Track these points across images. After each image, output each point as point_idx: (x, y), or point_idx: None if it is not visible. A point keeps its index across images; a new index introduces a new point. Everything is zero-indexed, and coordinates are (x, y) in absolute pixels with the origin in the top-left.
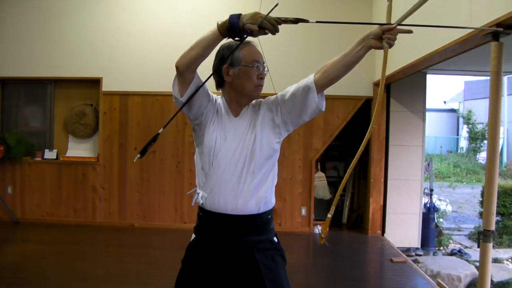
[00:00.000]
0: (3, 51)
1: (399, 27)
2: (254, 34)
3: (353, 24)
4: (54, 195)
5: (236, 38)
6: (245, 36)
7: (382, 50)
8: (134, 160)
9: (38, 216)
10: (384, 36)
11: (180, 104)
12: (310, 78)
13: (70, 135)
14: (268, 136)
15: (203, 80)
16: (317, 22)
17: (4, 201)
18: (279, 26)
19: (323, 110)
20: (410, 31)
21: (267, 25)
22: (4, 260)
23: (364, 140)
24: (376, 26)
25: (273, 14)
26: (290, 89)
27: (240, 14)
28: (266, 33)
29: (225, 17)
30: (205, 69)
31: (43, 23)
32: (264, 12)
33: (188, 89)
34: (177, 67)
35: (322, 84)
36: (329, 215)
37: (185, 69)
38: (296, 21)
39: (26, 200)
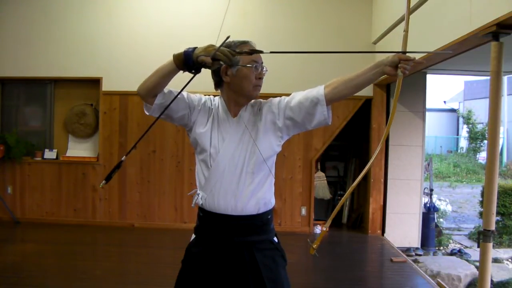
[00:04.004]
0: (3, 51)
1: (412, 54)
2: (208, 66)
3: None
4: (54, 195)
5: (193, 71)
6: (200, 68)
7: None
8: (100, 186)
9: (38, 216)
10: (400, 65)
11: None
12: (320, 91)
13: (70, 135)
14: (268, 138)
15: (183, 92)
16: (271, 52)
17: (4, 201)
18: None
19: (330, 123)
20: (421, 62)
21: (221, 56)
22: (4, 260)
23: (377, 148)
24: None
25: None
26: (297, 96)
27: (195, 47)
28: (221, 65)
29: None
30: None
31: (43, 23)
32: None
33: (155, 107)
34: (138, 93)
35: (331, 99)
36: (325, 229)
37: (145, 95)
38: (250, 52)
39: (26, 200)
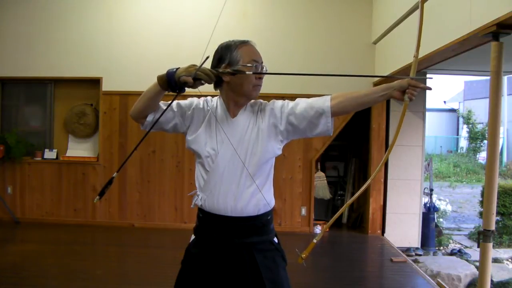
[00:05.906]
0: (3, 51)
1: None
2: (190, 86)
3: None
4: (54, 195)
5: (176, 91)
6: (183, 88)
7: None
8: (94, 201)
9: (38, 216)
10: (408, 91)
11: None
12: (326, 102)
13: (70, 135)
14: (270, 140)
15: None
16: (253, 73)
17: (4, 201)
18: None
19: (331, 134)
20: (429, 88)
21: (202, 75)
22: (4, 260)
23: (389, 149)
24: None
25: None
26: (301, 103)
27: (178, 68)
28: (202, 84)
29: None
30: None
31: (43, 23)
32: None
33: (146, 124)
34: (131, 116)
35: (335, 112)
36: (315, 241)
37: (136, 118)
38: (234, 73)
39: (26, 200)
